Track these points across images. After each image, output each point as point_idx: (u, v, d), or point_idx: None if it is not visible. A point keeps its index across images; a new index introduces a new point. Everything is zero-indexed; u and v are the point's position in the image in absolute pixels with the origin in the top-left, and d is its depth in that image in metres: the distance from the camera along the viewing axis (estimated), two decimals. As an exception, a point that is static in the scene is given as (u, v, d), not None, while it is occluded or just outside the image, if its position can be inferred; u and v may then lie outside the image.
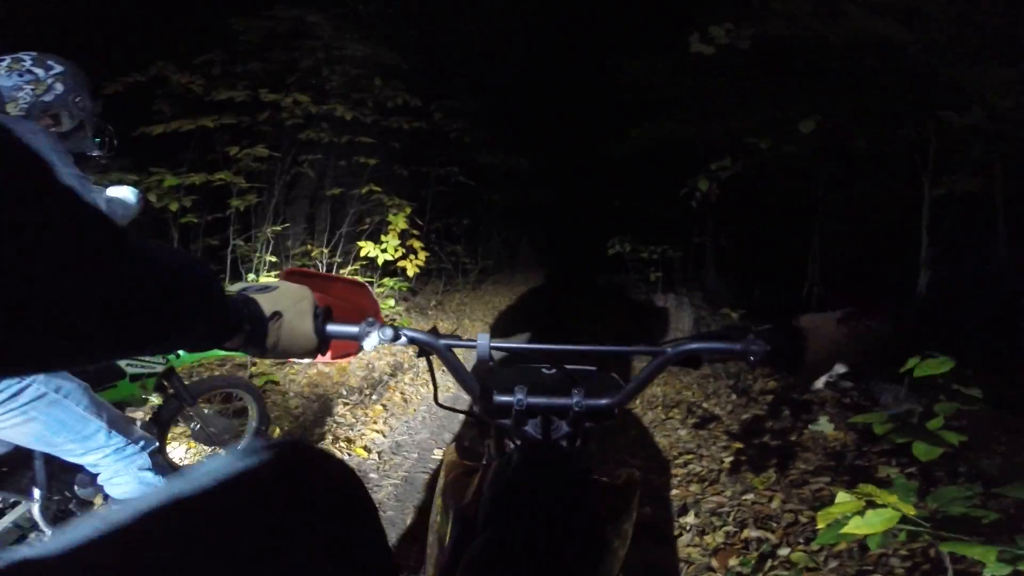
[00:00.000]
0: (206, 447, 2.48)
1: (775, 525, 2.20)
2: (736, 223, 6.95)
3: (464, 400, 3.44)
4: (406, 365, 4.42)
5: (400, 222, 5.20)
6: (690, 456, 2.97)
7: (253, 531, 0.42)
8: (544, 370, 0.94)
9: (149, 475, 1.61)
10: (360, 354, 0.79)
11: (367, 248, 5.12)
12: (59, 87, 1.56)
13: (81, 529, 0.36)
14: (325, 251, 5.35)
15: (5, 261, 0.30)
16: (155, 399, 2.09)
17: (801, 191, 5.40)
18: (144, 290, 0.42)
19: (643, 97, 5.87)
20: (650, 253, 6.52)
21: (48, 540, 0.36)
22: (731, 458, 2.85)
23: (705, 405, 3.68)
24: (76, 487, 1.70)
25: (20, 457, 1.59)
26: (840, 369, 0.79)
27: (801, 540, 2.08)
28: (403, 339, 0.76)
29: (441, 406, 0.94)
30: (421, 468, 2.88)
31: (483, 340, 0.79)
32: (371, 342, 0.74)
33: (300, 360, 0.85)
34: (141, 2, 4.56)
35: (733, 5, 3.51)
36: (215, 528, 0.40)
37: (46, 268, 0.32)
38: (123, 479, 1.57)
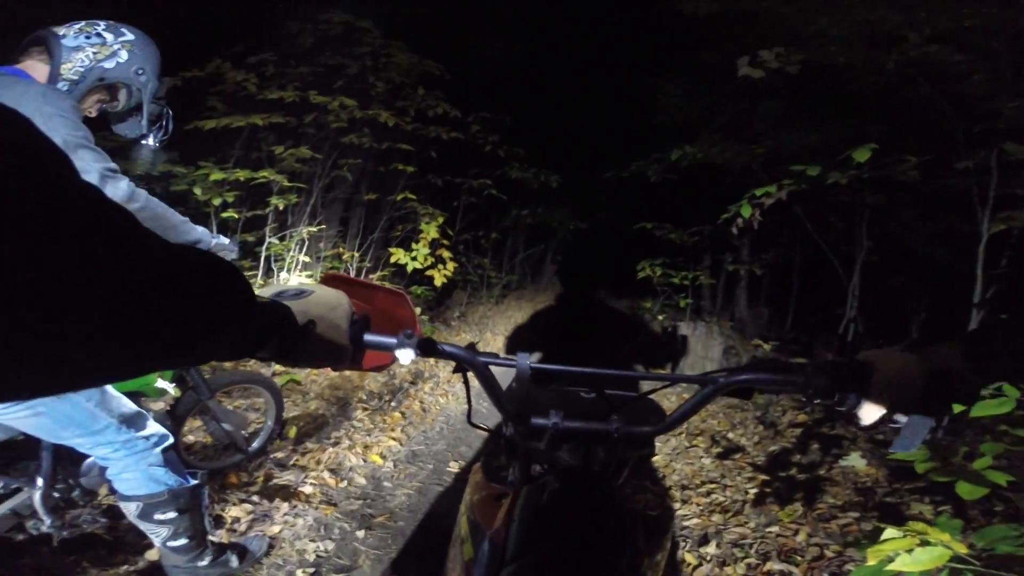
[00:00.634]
0: (219, 443, 2.46)
1: (800, 559, 2.13)
2: (771, 251, 6.79)
3: (488, 416, 3.40)
4: (427, 374, 4.41)
5: (432, 231, 5.23)
6: (713, 486, 2.88)
7: None
8: (583, 394, 0.90)
9: (160, 472, 1.55)
10: (392, 364, 0.76)
11: (398, 255, 5.16)
12: (124, 54, 1.46)
13: None
14: (356, 255, 5.42)
15: (12, 266, 0.27)
16: (172, 391, 2.07)
17: (842, 221, 5.26)
18: (168, 299, 0.38)
19: (681, 119, 5.84)
20: (681, 279, 6.41)
21: None
22: (756, 490, 2.76)
23: (731, 436, 3.58)
24: (81, 477, 1.67)
25: (27, 445, 1.56)
26: (927, 428, 0.71)
27: (826, 575, 2.00)
28: (441, 353, 0.73)
29: (474, 425, 0.90)
30: (436, 480, 2.85)
31: (523, 359, 0.76)
32: (407, 355, 0.69)
33: (333, 370, 0.81)
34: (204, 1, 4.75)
35: (783, 30, 3.47)
36: None
37: (59, 274, 0.29)
38: (132, 475, 1.52)
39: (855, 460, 2.76)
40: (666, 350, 5.80)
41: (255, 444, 2.62)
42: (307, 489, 2.48)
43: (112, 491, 1.57)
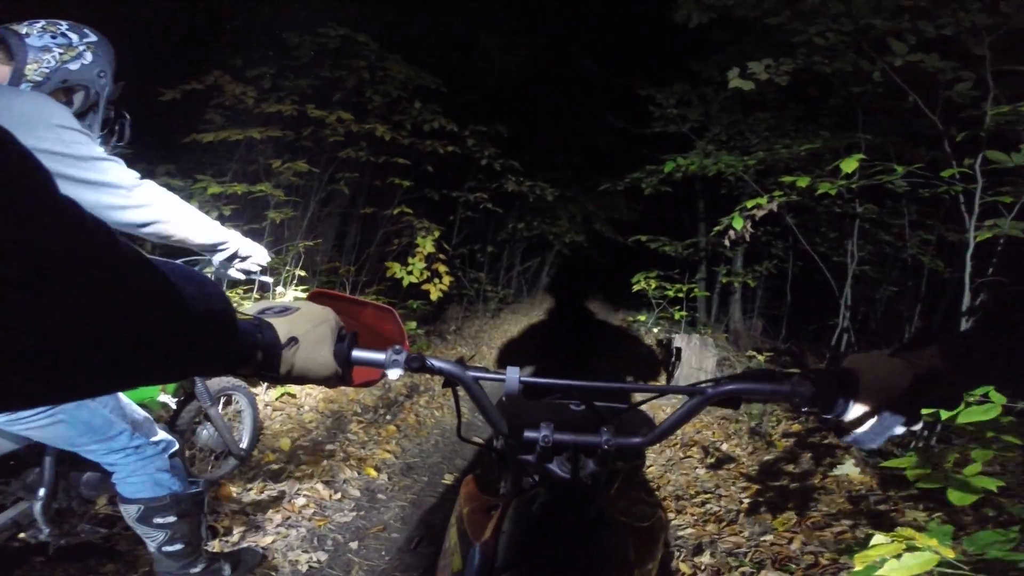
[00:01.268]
0: (216, 451, 2.45)
1: (794, 567, 2.14)
2: (765, 263, 6.84)
3: (483, 429, 3.39)
4: (422, 388, 4.41)
5: (428, 245, 5.25)
6: (707, 495, 2.88)
7: None
8: (572, 406, 0.91)
9: (165, 476, 1.58)
10: (382, 380, 0.75)
11: (394, 269, 5.18)
12: (88, 56, 1.40)
13: None
14: (352, 269, 5.43)
15: None
16: (171, 403, 2.08)
17: (834, 231, 5.31)
18: (147, 316, 0.38)
19: (674, 131, 5.90)
20: (676, 291, 6.44)
21: None
22: (750, 499, 2.76)
23: (724, 447, 3.57)
24: (82, 488, 1.68)
25: (31, 455, 1.58)
26: (899, 429, 0.71)
27: (822, 585, 2.00)
28: (430, 368, 0.73)
29: (464, 439, 0.89)
30: (431, 492, 2.84)
31: (512, 373, 0.75)
32: (396, 371, 0.69)
33: (323, 387, 0.80)
34: (204, 12, 4.80)
35: (773, 40, 3.53)
36: None
37: (37, 292, 0.29)
38: (138, 479, 1.54)
39: (849, 468, 2.77)
40: (660, 362, 5.81)
41: (244, 447, 2.60)
42: (300, 501, 2.47)
43: (114, 495, 1.58)
